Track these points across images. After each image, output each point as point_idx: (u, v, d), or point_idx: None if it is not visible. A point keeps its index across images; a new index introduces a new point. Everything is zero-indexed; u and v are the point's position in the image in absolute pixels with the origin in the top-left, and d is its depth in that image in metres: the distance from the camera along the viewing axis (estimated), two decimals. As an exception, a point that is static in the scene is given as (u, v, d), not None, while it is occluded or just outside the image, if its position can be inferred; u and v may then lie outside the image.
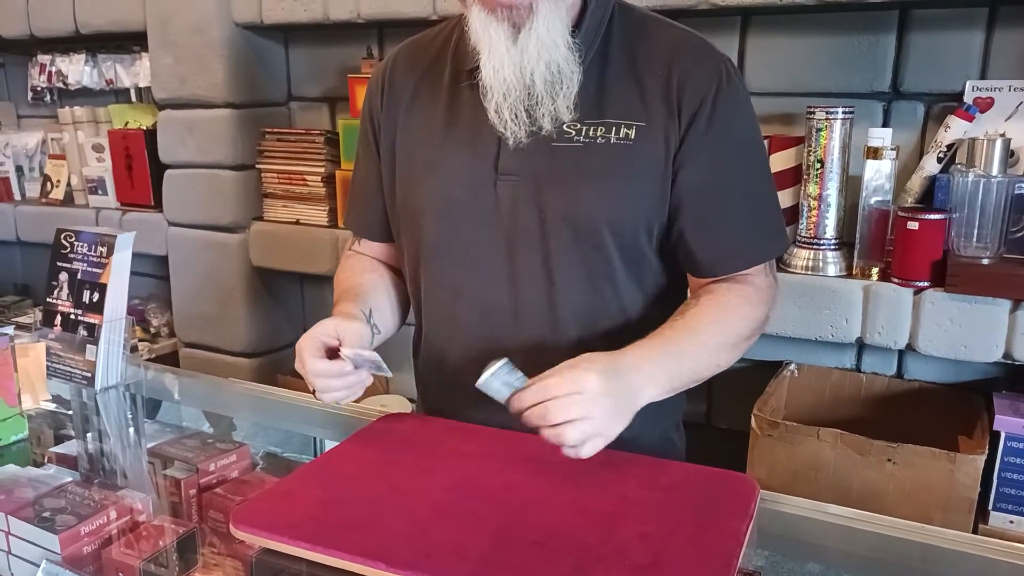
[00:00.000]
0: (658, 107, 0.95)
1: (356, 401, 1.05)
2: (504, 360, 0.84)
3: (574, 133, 0.96)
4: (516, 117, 0.94)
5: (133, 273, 2.71)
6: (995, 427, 1.42)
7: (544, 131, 0.95)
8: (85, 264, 1.13)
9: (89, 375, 1.13)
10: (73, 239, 1.14)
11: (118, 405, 1.22)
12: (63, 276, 1.16)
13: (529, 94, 0.93)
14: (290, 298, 2.34)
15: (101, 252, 1.12)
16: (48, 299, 1.17)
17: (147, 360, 2.20)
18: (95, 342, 1.12)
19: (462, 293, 1.02)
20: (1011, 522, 1.43)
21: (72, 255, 1.15)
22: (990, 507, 1.44)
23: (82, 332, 1.13)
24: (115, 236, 1.11)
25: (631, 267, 0.99)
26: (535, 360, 0.92)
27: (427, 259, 1.04)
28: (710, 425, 1.89)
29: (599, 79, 0.96)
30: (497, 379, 0.83)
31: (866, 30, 1.58)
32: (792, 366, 1.73)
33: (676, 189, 0.96)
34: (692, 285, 1.03)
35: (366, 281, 1.12)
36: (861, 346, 1.69)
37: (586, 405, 0.80)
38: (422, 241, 1.04)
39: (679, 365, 0.91)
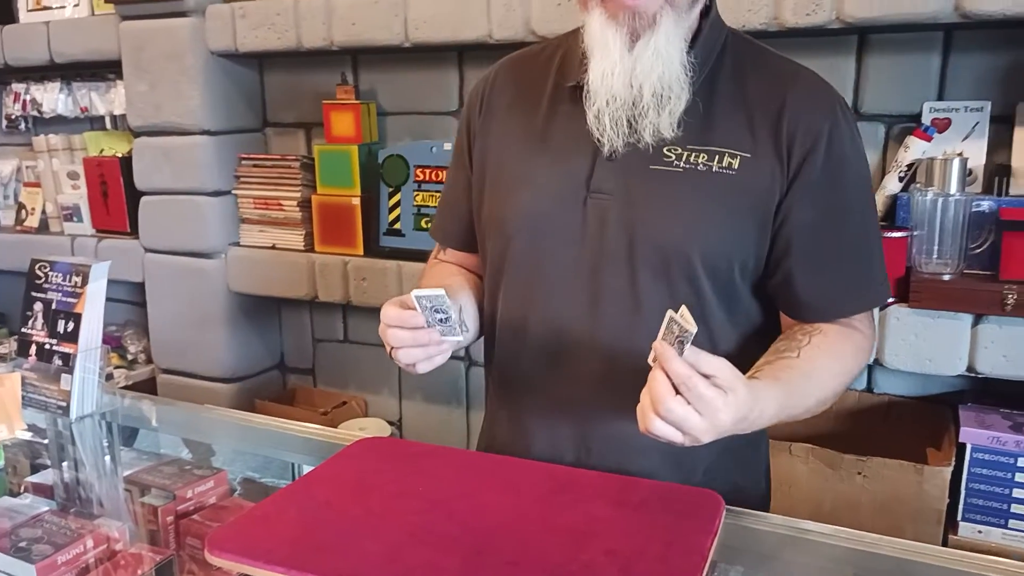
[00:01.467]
0: (766, 141, 0.93)
1: (332, 427, 1.05)
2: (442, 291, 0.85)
3: (674, 157, 0.94)
4: (616, 125, 0.93)
5: (110, 300, 2.69)
6: (961, 439, 1.45)
7: (642, 144, 0.93)
8: (60, 294, 1.14)
9: (64, 404, 1.14)
10: (48, 269, 1.15)
11: (94, 433, 1.22)
12: (38, 306, 1.16)
13: (634, 104, 0.92)
14: (268, 323, 2.34)
15: (76, 282, 1.13)
16: (23, 329, 1.18)
17: (124, 387, 2.19)
18: (70, 371, 1.13)
19: (537, 308, 1.00)
20: (980, 532, 1.46)
21: (47, 285, 1.15)
22: (959, 518, 1.47)
23: (57, 361, 1.14)
24: (90, 266, 1.12)
25: (724, 302, 0.97)
26: (605, 388, 0.92)
27: (508, 271, 1.02)
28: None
29: (707, 105, 0.95)
30: (432, 304, 0.84)
31: (827, 54, 1.63)
32: (764, 382, 1.76)
33: (786, 229, 0.94)
34: (786, 324, 1.00)
35: (453, 283, 1.10)
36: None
37: (727, 408, 0.77)
38: (506, 253, 1.02)
39: (784, 410, 0.88)
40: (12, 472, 1.18)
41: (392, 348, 0.92)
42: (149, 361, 2.45)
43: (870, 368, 1.70)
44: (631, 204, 0.94)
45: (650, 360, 0.77)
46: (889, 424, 1.67)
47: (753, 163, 0.93)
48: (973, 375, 1.46)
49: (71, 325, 1.13)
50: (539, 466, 0.92)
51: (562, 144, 1.00)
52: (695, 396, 0.74)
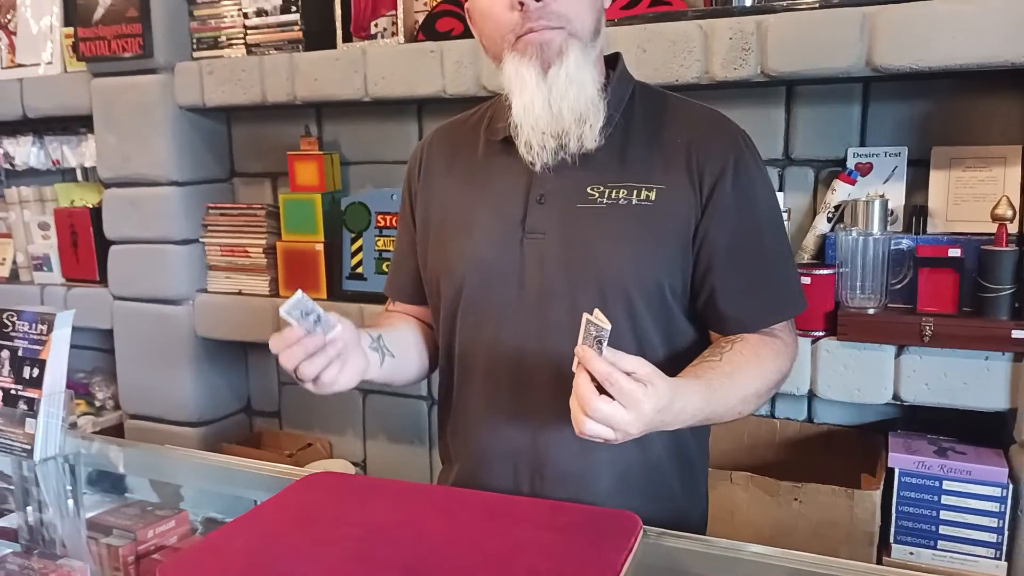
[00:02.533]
0: (679, 173, 1.03)
1: (300, 465, 1.08)
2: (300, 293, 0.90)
3: (598, 195, 1.03)
4: (544, 147, 1.02)
5: (78, 347, 2.73)
6: (889, 464, 1.53)
7: (570, 154, 1.02)
8: (26, 341, 1.20)
9: (28, 447, 1.19)
10: (15, 318, 1.21)
11: (57, 476, 1.27)
12: (4, 353, 1.22)
13: (557, 124, 1.00)
14: (234, 367, 2.39)
15: (41, 330, 1.19)
16: (-10, 376, 1.23)
17: (93, 432, 2.23)
18: (34, 415, 1.18)
19: (488, 345, 1.08)
20: (911, 553, 1.54)
21: (13, 333, 1.21)
22: (892, 540, 1.55)
23: (22, 406, 1.19)
24: (55, 314, 1.18)
25: (659, 324, 1.05)
26: (554, 418, 0.98)
27: (462, 311, 1.10)
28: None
29: (621, 148, 1.05)
30: (298, 309, 0.89)
31: (759, 105, 1.74)
32: (712, 415, 1.84)
33: (705, 250, 1.04)
34: (714, 340, 1.09)
35: (389, 322, 1.21)
36: (776, 394, 1.80)
37: (647, 399, 0.83)
38: (459, 295, 1.10)
39: (709, 406, 0.95)
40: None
41: (295, 372, 0.95)
42: (117, 407, 2.48)
43: (810, 400, 1.79)
44: (564, 241, 1.04)
45: (574, 367, 0.85)
46: (829, 452, 1.75)
47: (668, 193, 1.03)
48: (899, 403, 1.55)
49: (36, 371, 1.19)
50: (474, 494, 0.99)
51: (497, 192, 1.09)
52: (618, 391, 0.82)
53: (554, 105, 1.00)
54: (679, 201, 1.03)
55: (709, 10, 1.62)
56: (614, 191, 1.04)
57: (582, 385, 0.83)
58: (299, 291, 0.93)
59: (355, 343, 1.00)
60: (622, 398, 0.82)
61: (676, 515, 1.03)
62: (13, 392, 1.20)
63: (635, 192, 1.04)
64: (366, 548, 0.87)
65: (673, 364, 1.01)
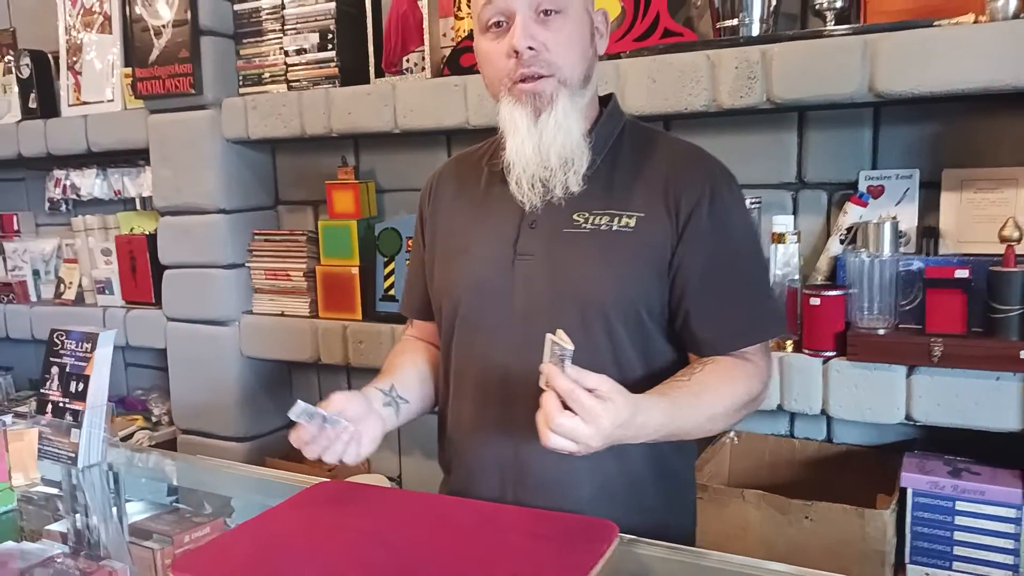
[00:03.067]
0: (657, 203, 1.11)
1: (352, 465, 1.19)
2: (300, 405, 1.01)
3: (582, 221, 1.12)
4: (533, 187, 1.11)
5: (137, 365, 2.89)
6: (902, 484, 1.54)
7: (555, 199, 1.11)
8: (73, 359, 1.32)
9: (73, 455, 1.30)
10: (64, 337, 1.33)
11: (100, 482, 1.38)
12: (54, 369, 1.34)
13: (544, 167, 1.10)
14: (278, 385, 2.51)
15: (86, 348, 1.31)
16: (41, 390, 1.36)
17: (149, 446, 2.37)
18: (79, 426, 1.30)
19: (479, 359, 1.16)
20: (926, 574, 1.54)
21: (62, 351, 1.33)
22: (907, 560, 1.55)
23: (68, 418, 1.31)
24: (98, 334, 1.30)
25: (637, 343, 1.12)
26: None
27: (458, 327, 1.19)
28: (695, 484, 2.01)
29: (607, 180, 1.14)
30: (304, 414, 1.01)
31: (772, 130, 1.78)
32: (731, 434, 1.87)
33: (681, 275, 1.10)
34: (692, 360, 1.15)
35: (399, 362, 1.30)
36: (793, 414, 1.82)
37: (607, 415, 0.89)
38: (456, 312, 1.20)
39: (673, 422, 1.01)
40: (33, 521, 1.34)
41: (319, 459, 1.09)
42: (171, 423, 2.62)
43: (828, 420, 1.80)
44: (550, 262, 1.12)
45: (542, 384, 0.92)
46: (847, 472, 1.76)
47: (647, 221, 1.10)
48: (913, 423, 1.56)
49: (81, 386, 1.30)
50: (465, 502, 1.06)
51: (494, 217, 1.19)
52: (579, 407, 0.89)
53: (543, 150, 1.09)
54: (657, 228, 1.10)
55: (716, 41, 1.67)
56: (597, 217, 1.12)
57: (547, 401, 0.90)
58: (298, 401, 1.04)
59: (366, 416, 1.11)
60: (583, 413, 0.89)
61: (658, 526, 1.08)
62: (61, 404, 1.32)
63: (616, 219, 1.11)
64: (361, 552, 0.94)
65: (651, 382, 1.07)
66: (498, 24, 1.10)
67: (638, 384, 1.05)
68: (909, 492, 1.53)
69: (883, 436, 1.75)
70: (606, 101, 1.22)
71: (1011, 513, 1.45)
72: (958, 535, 1.50)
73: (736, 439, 1.87)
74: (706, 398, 1.04)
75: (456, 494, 1.18)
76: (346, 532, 0.99)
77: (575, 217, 1.12)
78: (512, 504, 1.10)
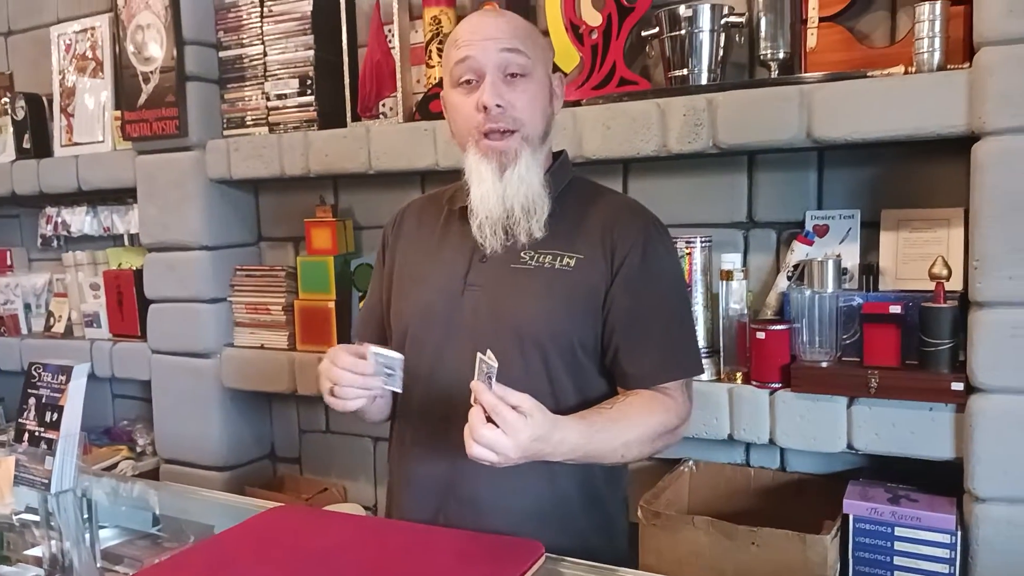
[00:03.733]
0: (595, 248, 1.23)
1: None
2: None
3: (528, 258, 1.23)
4: (495, 233, 1.22)
5: (123, 396, 2.96)
6: (844, 511, 1.60)
7: (517, 247, 1.22)
8: (48, 390, 1.40)
9: (47, 481, 1.37)
10: (40, 370, 1.41)
11: (73, 508, 1.45)
12: (32, 400, 1.42)
13: (508, 216, 1.21)
14: (259, 416, 2.58)
15: (61, 379, 1.39)
16: (19, 420, 1.43)
17: (132, 476, 2.43)
18: (53, 454, 1.37)
19: (429, 381, 1.25)
20: (868, 598, 1.60)
21: (39, 383, 1.41)
22: (850, 585, 1.61)
23: (43, 446, 1.38)
24: (72, 366, 1.37)
25: (570, 373, 1.21)
26: None
27: (407, 353, 1.26)
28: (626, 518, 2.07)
29: (555, 224, 1.25)
30: (383, 361, 1.08)
31: (723, 172, 1.88)
32: (690, 462, 1.93)
33: (612, 315, 1.21)
34: (620, 392, 1.25)
35: None
36: (748, 444, 1.89)
37: (526, 429, 0.98)
38: (405, 337, 1.29)
39: (589, 444, 1.10)
40: (11, 548, 1.41)
41: (334, 385, 1.15)
42: (155, 453, 2.69)
43: (782, 449, 1.87)
44: (495, 294, 1.22)
45: (472, 401, 1.00)
46: (800, 499, 1.82)
47: (585, 263, 1.21)
48: (855, 452, 1.63)
49: (56, 416, 1.38)
50: (403, 525, 1.13)
51: (449, 251, 1.29)
52: (501, 420, 0.97)
53: (507, 201, 1.20)
54: (593, 270, 1.21)
55: (665, 89, 1.77)
56: (541, 256, 1.23)
57: (473, 414, 0.99)
58: (400, 355, 1.14)
59: None
60: (504, 426, 0.98)
61: (587, 550, 1.15)
62: (36, 434, 1.40)
63: (558, 259, 1.22)
64: (299, 572, 1.01)
65: (583, 409, 1.15)
66: (468, 81, 1.22)
67: (571, 410, 1.14)
68: (851, 518, 1.60)
69: (832, 465, 1.82)
70: (557, 155, 1.34)
71: (945, 539, 1.52)
72: (897, 560, 1.56)
73: (695, 468, 1.93)
74: (622, 426, 1.13)
75: (397, 509, 1.26)
76: (286, 554, 1.06)
77: (522, 255, 1.23)
78: (447, 520, 1.18)
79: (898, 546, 1.56)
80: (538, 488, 1.19)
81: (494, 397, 0.98)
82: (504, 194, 1.19)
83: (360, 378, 1.14)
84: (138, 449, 2.77)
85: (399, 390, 1.18)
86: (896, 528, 1.56)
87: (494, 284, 1.23)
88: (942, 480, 1.62)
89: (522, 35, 1.23)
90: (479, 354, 1.00)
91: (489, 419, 0.98)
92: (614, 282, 1.21)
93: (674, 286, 1.26)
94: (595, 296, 1.21)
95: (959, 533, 1.52)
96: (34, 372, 1.41)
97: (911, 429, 1.56)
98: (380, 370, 1.14)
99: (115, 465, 2.56)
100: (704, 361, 1.78)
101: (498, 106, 1.18)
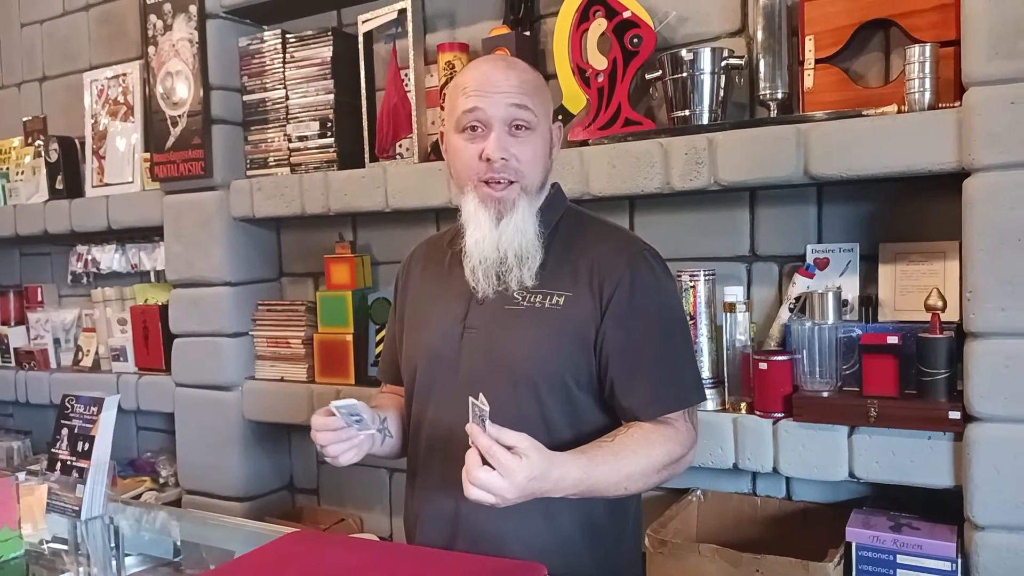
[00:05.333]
0: (583, 284, 1.27)
1: None
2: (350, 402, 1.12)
3: (520, 299, 1.27)
4: (487, 278, 1.27)
5: (147, 429, 3.04)
6: (847, 538, 1.63)
7: (510, 291, 1.26)
8: (81, 421, 1.47)
9: (77, 509, 1.44)
10: (73, 402, 1.49)
11: (102, 534, 1.52)
12: (65, 431, 1.49)
13: (501, 263, 1.26)
14: (278, 447, 2.65)
15: (93, 411, 1.46)
16: (52, 449, 1.51)
17: (159, 504, 2.49)
18: (84, 482, 1.44)
19: (429, 420, 1.31)
20: (873, 625, 1.62)
21: (72, 414, 1.49)
22: (855, 612, 1.63)
23: (75, 474, 1.45)
24: (103, 398, 1.45)
25: (564, 409, 1.25)
26: None
27: (416, 394, 1.34)
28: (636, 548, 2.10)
29: (544, 263, 1.29)
30: (347, 411, 1.12)
31: (726, 207, 1.94)
32: (698, 492, 1.97)
33: (605, 350, 1.24)
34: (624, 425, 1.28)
35: (386, 402, 1.46)
36: (755, 473, 1.92)
37: (521, 469, 1.01)
38: (414, 377, 1.35)
39: (590, 478, 1.12)
40: (44, 575, 1.47)
41: (321, 447, 1.22)
42: (178, 484, 2.76)
43: (788, 479, 1.90)
44: (491, 335, 1.27)
45: (470, 443, 1.05)
46: (805, 528, 1.85)
47: (574, 300, 1.25)
48: (857, 480, 1.66)
49: (87, 445, 1.45)
50: (413, 549, 1.18)
51: (451, 294, 1.35)
52: (496, 462, 1.01)
53: (501, 248, 1.25)
54: (582, 307, 1.25)
55: (668, 129, 1.84)
56: (532, 296, 1.27)
57: (469, 458, 1.03)
58: (354, 401, 1.18)
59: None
60: (499, 468, 1.02)
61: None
62: (69, 463, 1.47)
63: (548, 298, 1.26)
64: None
65: (579, 444, 1.19)
66: (473, 128, 1.26)
67: (566, 445, 1.18)
68: (854, 546, 1.63)
69: (837, 494, 1.85)
70: (550, 187, 1.38)
71: (946, 566, 1.54)
72: (900, 587, 1.59)
73: (703, 497, 1.97)
74: (624, 458, 1.16)
75: (409, 540, 1.31)
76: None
77: (515, 295, 1.28)
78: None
79: (900, 573, 1.59)
80: (536, 524, 1.22)
81: (488, 439, 1.02)
82: (499, 241, 1.24)
83: (333, 434, 1.20)
84: (161, 480, 2.84)
85: (374, 430, 1.23)
86: (898, 555, 1.59)
87: (489, 325, 1.28)
88: (943, 508, 1.65)
89: (530, 90, 1.27)
90: (471, 398, 1.05)
91: (485, 461, 1.02)
92: (604, 318, 1.24)
93: (665, 315, 1.28)
94: (586, 332, 1.24)
95: (959, 560, 1.54)
96: (67, 404, 1.49)
97: (910, 457, 1.59)
98: (348, 420, 1.20)
99: (139, 496, 2.64)
100: (708, 391, 1.83)
101: (503, 159, 1.23)
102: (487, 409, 1.02)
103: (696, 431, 1.30)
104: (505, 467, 1.01)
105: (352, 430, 1.21)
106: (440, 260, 1.42)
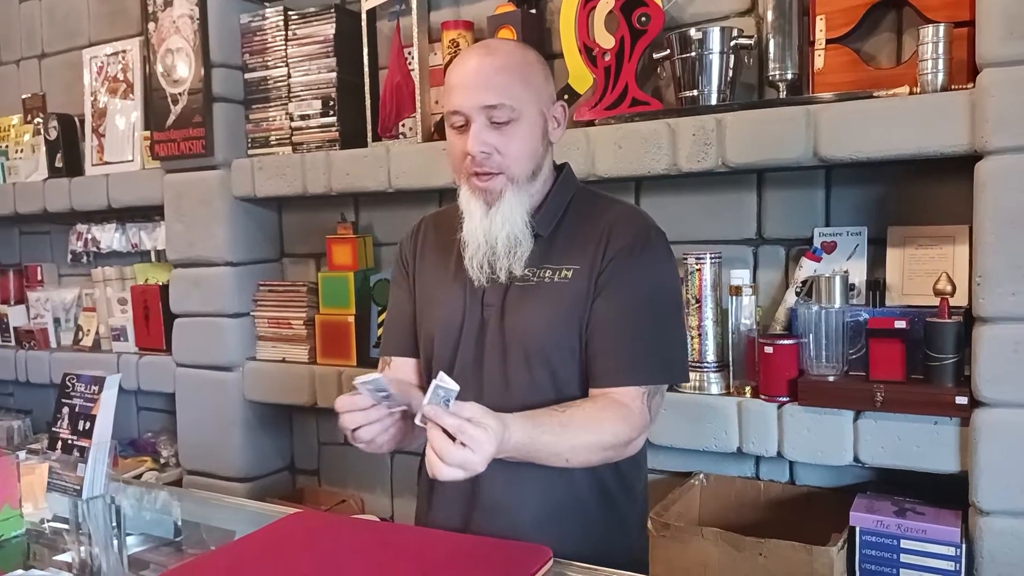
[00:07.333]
0: (591, 254, 1.27)
1: None
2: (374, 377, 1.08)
3: (531, 275, 1.29)
4: (481, 267, 1.28)
5: (148, 409, 3.04)
6: (851, 523, 1.63)
7: (500, 281, 1.28)
8: (82, 400, 1.46)
9: (79, 488, 1.43)
10: (74, 380, 1.48)
11: (103, 513, 1.51)
12: (65, 410, 1.48)
13: (492, 252, 1.27)
14: (279, 428, 2.64)
15: (94, 390, 1.45)
16: (53, 428, 1.50)
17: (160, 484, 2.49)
18: (85, 461, 1.43)
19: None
20: (876, 609, 1.62)
21: (73, 393, 1.48)
22: (858, 596, 1.63)
23: (76, 453, 1.44)
24: (104, 377, 1.44)
25: (578, 380, 1.26)
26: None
27: (433, 366, 1.33)
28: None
29: (556, 238, 1.31)
30: (372, 386, 1.08)
31: (733, 189, 1.92)
32: (701, 476, 1.96)
33: (590, 314, 1.26)
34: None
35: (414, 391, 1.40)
36: (758, 457, 1.92)
37: (489, 441, 1.02)
38: (431, 353, 1.35)
39: (533, 443, 1.12)
40: (41, 554, 1.47)
41: (351, 432, 1.15)
42: (179, 464, 2.75)
43: (791, 463, 1.89)
44: (504, 311, 1.29)
45: (417, 421, 1.04)
46: (809, 512, 1.85)
47: (580, 272, 1.27)
48: (862, 465, 1.65)
49: (88, 424, 1.44)
50: (418, 531, 1.18)
51: (464, 273, 1.33)
52: (467, 439, 1.02)
53: (490, 238, 1.26)
54: (586, 276, 1.27)
55: (676, 109, 1.82)
56: (542, 271, 1.29)
57: (437, 438, 1.02)
58: (379, 375, 1.11)
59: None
60: (471, 443, 1.02)
61: (605, 549, 1.20)
62: (70, 442, 1.46)
63: (557, 272, 1.28)
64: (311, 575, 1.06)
65: None
66: (459, 124, 1.27)
67: None
68: (857, 530, 1.62)
69: (841, 478, 1.84)
70: (560, 167, 1.38)
71: (950, 551, 1.54)
72: (903, 572, 1.58)
73: (706, 481, 1.96)
74: (571, 431, 1.16)
75: (425, 518, 1.31)
76: (305, 558, 1.11)
77: (526, 272, 1.29)
78: (475, 527, 1.23)
79: (904, 558, 1.58)
80: (556, 491, 1.24)
81: (454, 419, 1.02)
82: (488, 230, 1.26)
83: (362, 414, 1.14)
84: (162, 460, 2.83)
85: (404, 406, 1.17)
86: (902, 540, 1.58)
87: (502, 302, 1.29)
88: (948, 493, 1.64)
89: (512, 80, 1.25)
90: (435, 380, 1.04)
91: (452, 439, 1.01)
92: (599, 281, 1.26)
93: (658, 293, 1.28)
94: (585, 302, 1.26)
95: (964, 545, 1.54)
96: (68, 383, 1.48)
97: (916, 443, 1.58)
98: (377, 396, 1.13)
99: (139, 476, 2.63)
100: (715, 375, 1.82)
101: (484, 152, 1.24)
102: (455, 389, 1.02)
103: (653, 416, 1.27)
104: (477, 441, 1.02)
105: (382, 408, 1.14)
106: (451, 235, 1.39)
